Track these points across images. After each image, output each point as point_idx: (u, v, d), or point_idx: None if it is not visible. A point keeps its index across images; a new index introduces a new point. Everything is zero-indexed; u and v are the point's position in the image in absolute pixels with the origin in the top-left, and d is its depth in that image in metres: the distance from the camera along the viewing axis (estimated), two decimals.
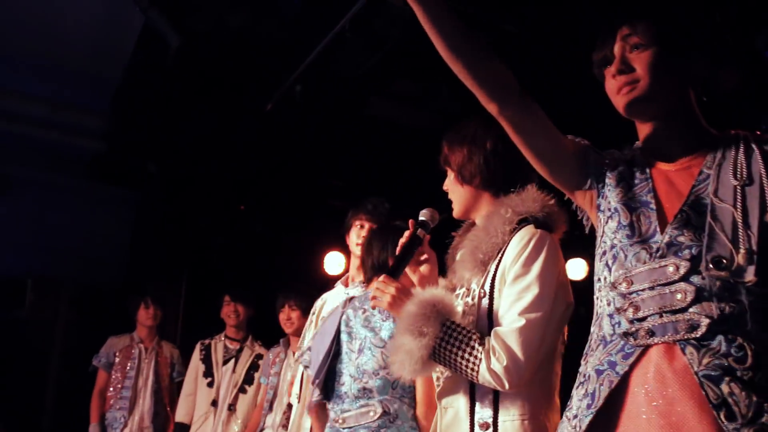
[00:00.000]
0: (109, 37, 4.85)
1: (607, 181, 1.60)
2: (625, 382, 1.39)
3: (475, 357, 1.72)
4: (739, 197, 1.42)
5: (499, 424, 1.77)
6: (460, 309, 1.90)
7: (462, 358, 1.73)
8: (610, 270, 1.50)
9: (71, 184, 6.07)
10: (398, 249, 2.02)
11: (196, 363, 4.90)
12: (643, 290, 1.42)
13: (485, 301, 1.84)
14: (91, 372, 5.02)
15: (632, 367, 1.39)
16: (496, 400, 1.79)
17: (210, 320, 5.01)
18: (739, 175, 1.45)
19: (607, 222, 1.56)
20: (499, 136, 1.87)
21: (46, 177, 5.94)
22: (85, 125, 5.41)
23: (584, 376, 1.49)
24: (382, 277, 1.95)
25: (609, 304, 1.49)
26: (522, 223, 1.89)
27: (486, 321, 1.83)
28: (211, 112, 5.32)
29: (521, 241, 1.83)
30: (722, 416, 1.26)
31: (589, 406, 1.41)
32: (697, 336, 1.33)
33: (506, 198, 1.95)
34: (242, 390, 4.75)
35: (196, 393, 4.81)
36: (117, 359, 5.01)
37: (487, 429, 1.77)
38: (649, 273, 1.42)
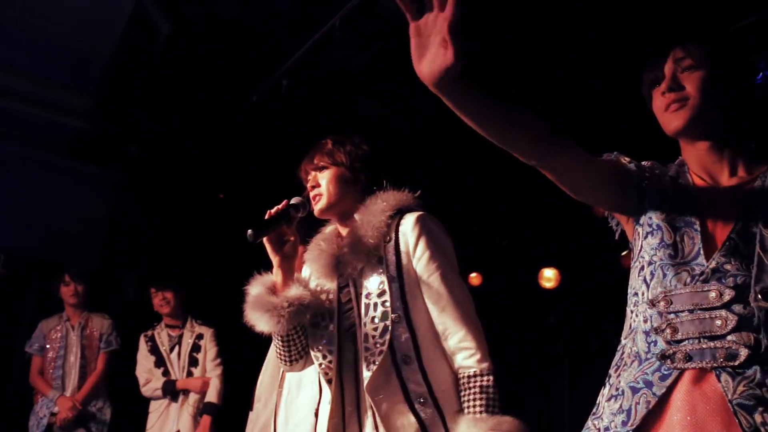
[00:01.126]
0: (99, 17, 4.85)
1: (648, 195, 1.60)
2: (661, 403, 1.41)
3: (490, 386, 1.90)
4: None
5: (437, 395, 1.90)
6: (375, 301, 1.98)
7: (495, 398, 1.90)
8: (648, 286, 1.51)
9: (51, 161, 6.03)
10: (266, 216, 2.04)
11: (144, 354, 4.91)
12: (682, 312, 1.43)
13: (395, 285, 1.94)
14: (27, 360, 5.01)
15: (670, 389, 1.40)
16: (425, 376, 1.91)
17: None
18: None
19: (646, 237, 1.56)
20: (374, 147, 2.13)
21: (25, 152, 5.90)
22: (69, 103, 5.40)
23: (617, 389, 1.50)
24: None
25: (645, 321, 1.49)
26: (399, 213, 2.03)
27: (400, 302, 1.93)
28: (197, 99, 5.34)
29: (412, 224, 1.99)
30: None
31: (624, 423, 1.43)
32: (735, 364, 1.35)
33: (374, 196, 2.08)
34: (189, 374, 4.80)
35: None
36: (48, 342, 5.00)
37: (428, 405, 1.89)
38: (690, 296, 1.43)
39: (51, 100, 5.48)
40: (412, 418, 1.86)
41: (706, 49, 1.56)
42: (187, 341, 4.89)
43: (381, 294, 1.94)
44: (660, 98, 1.59)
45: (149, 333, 4.98)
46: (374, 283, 1.97)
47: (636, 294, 1.56)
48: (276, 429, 3.09)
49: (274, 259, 2.08)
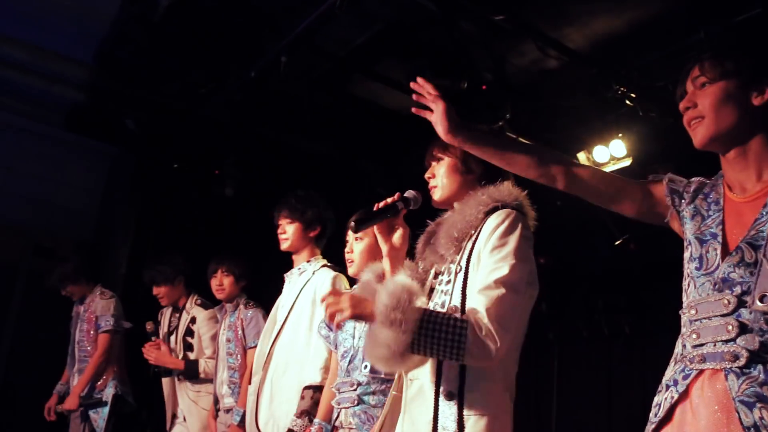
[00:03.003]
0: None
1: (684, 213, 1.74)
2: (681, 398, 1.59)
3: (460, 334, 1.75)
4: None
5: (465, 394, 1.85)
6: (439, 288, 2.00)
7: (445, 339, 1.75)
8: (686, 296, 1.67)
9: (47, 132, 6.00)
10: (374, 209, 2.09)
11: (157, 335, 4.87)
12: (705, 319, 1.58)
13: (461, 276, 1.93)
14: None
15: (688, 387, 1.58)
16: (462, 373, 1.86)
17: None
18: None
19: (685, 250, 1.72)
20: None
21: (21, 123, 5.87)
22: (66, 74, 5.35)
23: (661, 385, 1.69)
24: (329, 297, 1.98)
25: (683, 326, 1.66)
26: (495, 208, 2.00)
27: (461, 296, 1.90)
28: (195, 73, 5.30)
29: (497, 218, 1.94)
30: None
31: (656, 415, 1.64)
32: (739, 365, 1.50)
33: (483, 188, 2.06)
34: (185, 358, 4.64)
35: None
36: (72, 321, 5.02)
37: (452, 399, 1.85)
38: (709, 305, 1.58)
39: (48, 71, 5.44)
40: (430, 411, 1.87)
41: (716, 64, 1.67)
42: (183, 325, 4.74)
43: (447, 283, 1.97)
44: (684, 113, 1.72)
45: (162, 310, 4.89)
46: (448, 272, 2.00)
47: (682, 302, 1.71)
48: (260, 402, 3.15)
49: (384, 248, 2.13)
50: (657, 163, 5.16)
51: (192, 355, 4.66)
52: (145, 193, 6.28)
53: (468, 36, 4.39)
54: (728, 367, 1.51)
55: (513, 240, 1.90)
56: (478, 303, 1.82)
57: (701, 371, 1.56)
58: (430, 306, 1.96)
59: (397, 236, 2.11)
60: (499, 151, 1.85)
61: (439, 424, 1.85)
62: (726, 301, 1.54)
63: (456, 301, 1.90)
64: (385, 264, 2.14)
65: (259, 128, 5.84)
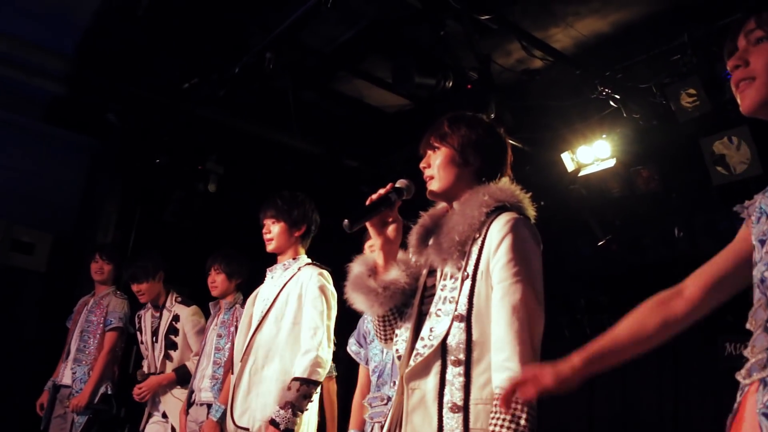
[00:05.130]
0: None
1: (753, 217, 1.50)
2: (735, 416, 1.40)
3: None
4: None
5: (471, 407, 1.78)
6: (444, 294, 1.90)
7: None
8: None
9: (26, 125, 5.92)
10: (367, 203, 2.01)
11: (139, 335, 4.83)
12: (757, 328, 1.37)
13: (467, 283, 1.86)
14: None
15: (740, 403, 1.39)
16: (467, 383, 1.80)
17: None
18: None
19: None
20: (499, 131, 2.07)
21: (0, 115, 5.79)
22: (47, 67, 5.27)
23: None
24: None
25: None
26: (498, 210, 1.92)
27: (467, 303, 1.84)
28: (179, 67, 5.26)
29: (503, 226, 1.86)
30: None
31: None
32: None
33: (483, 186, 1.98)
34: (167, 357, 4.63)
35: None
36: (74, 315, 4.95)
37: (457, 412, 1.77)
38: (758, 312, 1.38)
39: (28, 63, 5.36)
40: (434, 421, 1.80)
41: None
42: (165, 323, 4.70)
43: (452, 290, 1.88)
44: (733, 72, 1.46)
45: (139, 313, 4.83)
46: (451, 276, 1.91)
47: None
48: (236, 394, 3.13)
49: (377, 242, 2.06)
50: (640, 164, 5.20)
51: (174, 354, 4.63)
52: (126, 188, 6.22)
53: (453, 35, 4.38)
54: (763, 377, 1.29)
55: (520, 249, 1.84)
56: (499, 345, 1.77)
57: (750, 385, 1.36)
58: (434, 310, 1.89)
59: (391, 229, 2.04)
60: (621, 354, 1.66)
61: None
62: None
63: (462, 309, 1.84)
64: (378, 257, 2.07)
65: (242, 124, 5.80)
